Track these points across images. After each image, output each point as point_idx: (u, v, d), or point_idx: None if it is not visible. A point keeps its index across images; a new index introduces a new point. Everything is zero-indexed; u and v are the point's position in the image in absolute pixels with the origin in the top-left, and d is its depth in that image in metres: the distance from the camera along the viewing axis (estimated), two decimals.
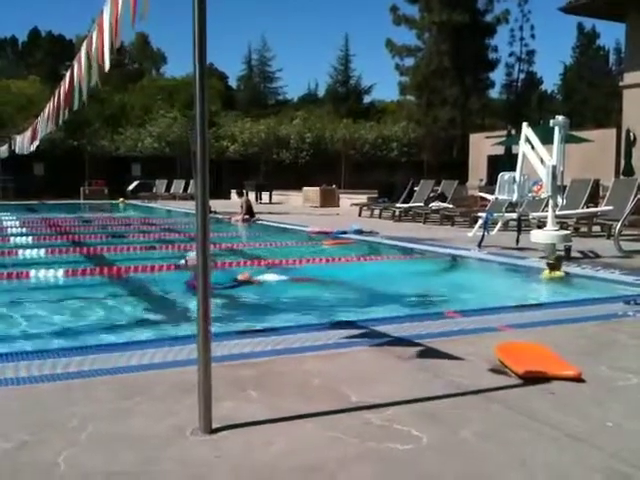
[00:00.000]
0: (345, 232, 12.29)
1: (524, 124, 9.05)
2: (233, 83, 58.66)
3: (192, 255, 6.68)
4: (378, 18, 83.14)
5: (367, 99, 56.98)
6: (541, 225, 9.83)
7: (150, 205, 23.89)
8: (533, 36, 43.69)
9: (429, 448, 2.73)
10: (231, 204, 18.15)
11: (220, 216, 16.15)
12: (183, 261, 6.72)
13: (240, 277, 6.94)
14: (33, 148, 11.42)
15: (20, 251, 9.77)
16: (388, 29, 65.17)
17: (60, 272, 7.66)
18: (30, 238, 11.85)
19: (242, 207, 16.11)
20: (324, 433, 2.87)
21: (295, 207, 22.78)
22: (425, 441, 2.78)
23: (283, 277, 7.60)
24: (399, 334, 4.50)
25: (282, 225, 14.71)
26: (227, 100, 47.57)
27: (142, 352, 4.04)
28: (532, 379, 3.55)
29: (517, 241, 9.64)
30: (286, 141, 35.06)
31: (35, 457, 2.62)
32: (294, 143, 35.02)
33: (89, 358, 3.89)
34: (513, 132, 19.17)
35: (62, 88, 5.91)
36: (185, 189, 27.97)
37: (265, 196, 26.02)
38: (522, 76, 45.74)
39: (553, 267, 7.27)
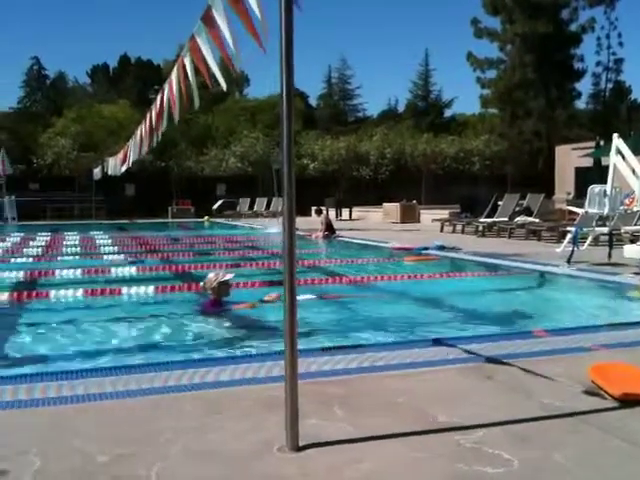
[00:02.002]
0: (427, 248, 12.15)
1: (615, 135, 8.76)
2: (313, 102, 59.35)
3: (210, 276, 6.51)
4: (458, 31, 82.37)
5: (448, 113, 56.42)
6: (634, 239, 9.45)
7: (234, 223, 24.38)
8: (621, 44, 42.08)
9: (521, 472, 2.64)
10: (312, 221, 18.32)
11: (302, 233, 16.34)
12: (202, 283, 6.53)
13: (266, 298, 6.66)
14: (124, 170, 11.95)
15: (111, 269, 10.14)
16: (469, 42, 64.40)
17: (150, 289, 7.90)
18: (122, 256, 12.31)
19: (322, 224, 16.46)
20: (412, 454, 2.83)
21: (375, 223, 22.73)
22: (516, 465, 2.70)
23: (313, 296, 7.15)
24: (486, 353, 4.40)
25: (363, 241, 14.72)
26: (308, 119, 48.12)
27: (227, 367, 4.11)
28: (629, 401, 3.39)
29: (609, 256, 9.28)
30: (366, 157, 35.15)
31: (129, 470, 2.70)
32: (374, 159, 35.07)
33: (177, 373, 3.98)
34: (602, 143, 18.50)
35: (153, 111, 6.15)
36: (267, 207, 28.40)
37: (345, 212, 26.11)
38: (610, 85, 44.11)
39: None
